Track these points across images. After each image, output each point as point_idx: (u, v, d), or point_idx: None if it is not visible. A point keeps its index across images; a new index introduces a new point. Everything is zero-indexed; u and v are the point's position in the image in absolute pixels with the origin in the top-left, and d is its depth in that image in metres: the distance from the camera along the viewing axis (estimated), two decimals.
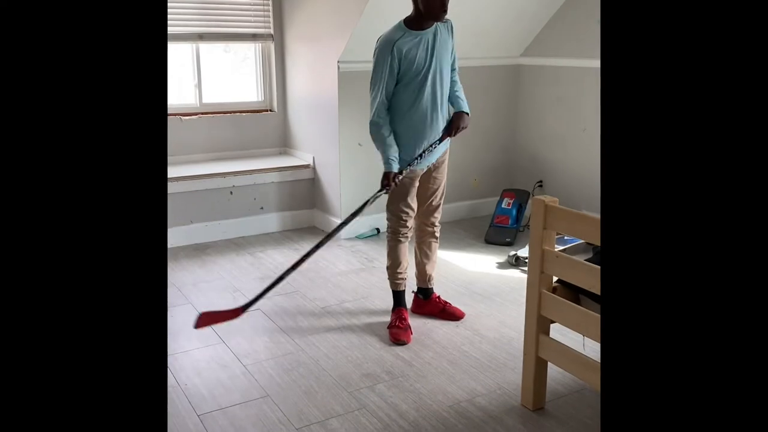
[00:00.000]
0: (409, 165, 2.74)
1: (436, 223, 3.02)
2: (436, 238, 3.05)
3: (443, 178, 2.96)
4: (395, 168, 2.69)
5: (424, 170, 2.87)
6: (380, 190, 2.71)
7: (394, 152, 2.70)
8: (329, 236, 2.72)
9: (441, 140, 2.78)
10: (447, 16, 2.70)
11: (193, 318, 3.23)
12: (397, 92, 2.70)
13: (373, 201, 2.75)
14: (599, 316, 2.02)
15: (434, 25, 2.69)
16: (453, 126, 2.80)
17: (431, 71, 2.69)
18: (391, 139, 2.71)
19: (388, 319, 3.00)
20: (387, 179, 2.68)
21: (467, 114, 2.83)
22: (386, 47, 2.62)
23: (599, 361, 2.08)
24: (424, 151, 2.74)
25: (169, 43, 3.78)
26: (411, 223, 2.92)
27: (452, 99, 2.85)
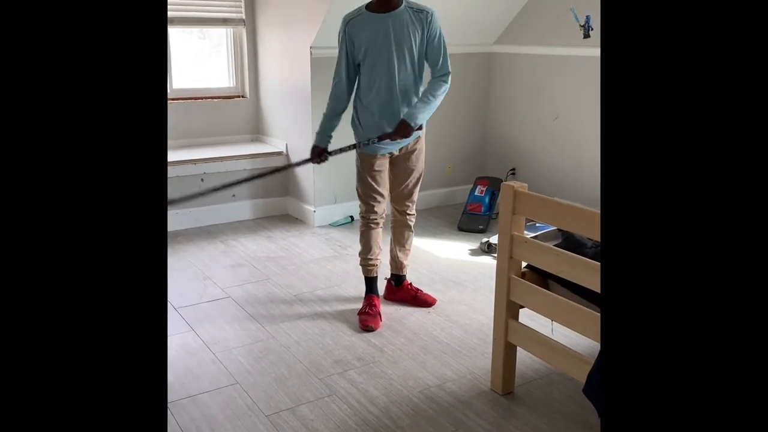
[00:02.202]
0: (342, 150, 2.76)
1: (409, 212, 2.96)
2: (410, 227, 2.99)
3: (416, 166, 2.90)
4: (320, 142, 2.79)
5: (389, 156, 2.82)
6: (307, 159, 2.84)
7: (325, 127, 2.78)
8: (258, 177, 2.95)
9: (380, 139, 2.68)
10: (427, 6, 2.70)
11: None
12: (360, 76, 2.75)
13: (296, 166, 2.98)
14: (568, 301, 2.04)
15: (399, 12, 2.64)
16: (393, 131, 2.66)
17: (386, 57, 2.65)
18: (330, 114, 2.77)
19: (360, 306, 2.99)
20: (312, 152, 2.80)
21: (411, 125, 2.63)
22: (342, 24, 2.72)
23: (567, 346, 2.11)
24: (360, 143, 2.74)
25: None
26: (380, 209, 2.89)
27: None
